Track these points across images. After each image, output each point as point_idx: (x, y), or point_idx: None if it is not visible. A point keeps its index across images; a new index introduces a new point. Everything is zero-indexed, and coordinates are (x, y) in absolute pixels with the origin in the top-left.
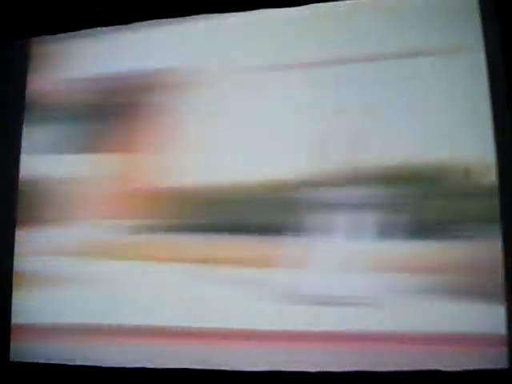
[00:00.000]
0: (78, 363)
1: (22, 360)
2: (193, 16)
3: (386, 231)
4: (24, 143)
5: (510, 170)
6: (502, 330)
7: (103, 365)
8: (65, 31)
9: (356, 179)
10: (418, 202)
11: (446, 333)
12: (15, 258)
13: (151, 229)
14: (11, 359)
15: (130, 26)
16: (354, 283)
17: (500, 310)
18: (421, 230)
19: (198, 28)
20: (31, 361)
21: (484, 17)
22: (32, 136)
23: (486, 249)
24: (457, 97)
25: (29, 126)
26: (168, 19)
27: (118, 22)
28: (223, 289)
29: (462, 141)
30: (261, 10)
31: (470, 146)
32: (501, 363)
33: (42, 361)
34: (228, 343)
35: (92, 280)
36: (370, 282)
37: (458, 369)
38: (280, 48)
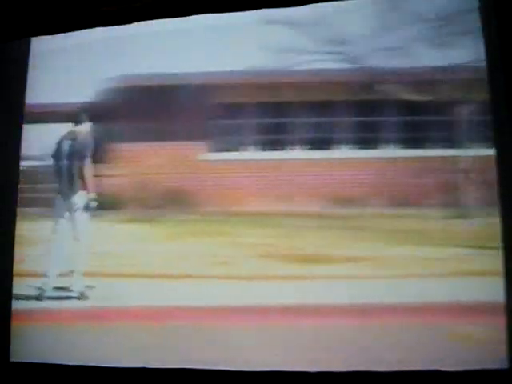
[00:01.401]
0: (78, 363)
1: (22, 360)
2: (191, 16)
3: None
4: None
5: (509, 167)
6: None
7: (103, 365)
8: (65, 31)
9: None
10: None
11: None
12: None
13: None
14: (11, 359)
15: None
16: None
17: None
18: None
19: None
20: (31, 361)
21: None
22: None
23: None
24: None
25: None
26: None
27: (118, 21)
28: None
29: None
30: None
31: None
32: (501, 363)
33: (42, 361)
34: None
35: None
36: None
37: (458, 369)
38: None
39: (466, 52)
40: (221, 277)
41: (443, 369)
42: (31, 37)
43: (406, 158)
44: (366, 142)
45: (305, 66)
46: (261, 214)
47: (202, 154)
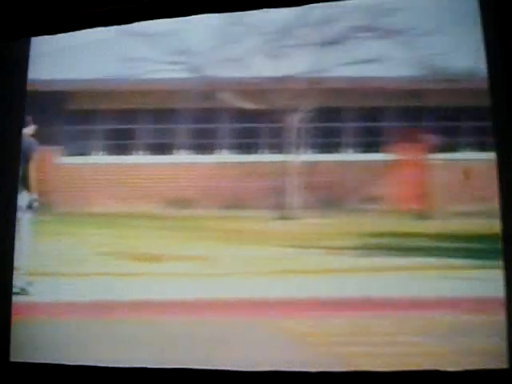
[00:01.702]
0: (78, 363)
1: (22, 360)
2: (189, 16)
3: None
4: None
5: (509, 169)
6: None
7: (103, 365)
8: (65, 31)
9: None
10: None
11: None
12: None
13: None
14: (11, 359)
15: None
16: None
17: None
18: None
19: None
20: (31, 361)
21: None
22: None
23: None
24: None
25: None
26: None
27: (118, 21)
28: None
29: None
30: None
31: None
32: (501, 363)
33: (41, 361)
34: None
35: None
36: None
37: (458, 369)
38: None
39: (299, 63)
40: (66, 274)
41: (443, 369)
42: (31, 37)
43: (238, 163)
44: (203, 148)
45: (151, 75)
46: (107, 215)
47: (57, 158)
